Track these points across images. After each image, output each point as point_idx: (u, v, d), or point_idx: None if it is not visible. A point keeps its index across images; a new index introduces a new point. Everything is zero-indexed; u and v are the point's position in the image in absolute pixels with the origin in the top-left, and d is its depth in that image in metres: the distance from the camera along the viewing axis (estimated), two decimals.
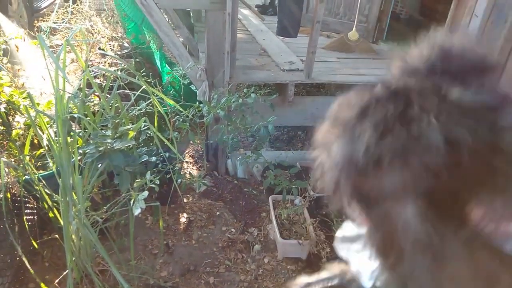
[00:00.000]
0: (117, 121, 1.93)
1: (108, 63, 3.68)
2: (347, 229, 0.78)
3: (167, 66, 3.75)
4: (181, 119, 2.49)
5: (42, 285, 1.99)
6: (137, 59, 4.05)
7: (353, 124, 0.46)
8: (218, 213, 2.85)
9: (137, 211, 1.68)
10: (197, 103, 2.61)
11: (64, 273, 2.08)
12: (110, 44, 4.02)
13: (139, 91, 2.10)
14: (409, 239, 0.45)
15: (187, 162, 3.40)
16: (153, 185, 1.84)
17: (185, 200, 2.91)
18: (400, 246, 0.46)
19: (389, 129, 0.43)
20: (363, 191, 0.47)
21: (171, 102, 2.21)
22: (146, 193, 1.73)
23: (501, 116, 0.43)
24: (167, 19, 3.42)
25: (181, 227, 2.68)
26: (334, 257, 0.89)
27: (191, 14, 4.67)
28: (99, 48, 3.86)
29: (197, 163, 3.43)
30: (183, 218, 2.75)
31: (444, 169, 0.42)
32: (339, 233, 0.79)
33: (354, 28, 3.90)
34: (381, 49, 4.23)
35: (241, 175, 3.28)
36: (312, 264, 2.45)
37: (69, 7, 4.46)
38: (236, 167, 3.28)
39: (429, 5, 5.64)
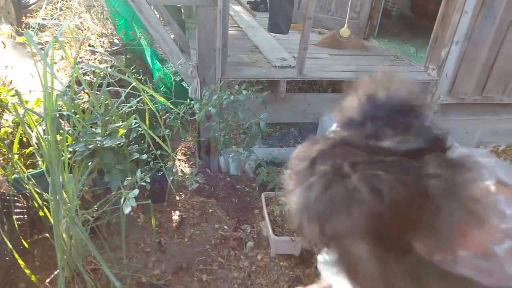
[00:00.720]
0: (107, 118, 1.91)
1: (98, 60, 3.64)
2: (326, 254, 0.87)
3: (158, 63, 3.72)
4: (172, 117, 2.47)
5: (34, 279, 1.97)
6: (128, 56, 4.01)
7: (304, 175, 0.54)
8: (210, 210, 2.85)
9: (127, 209, 1.67)
10: (189, 100, 2.59)
11: (56, 272, 2.06)
12: (100, 41, 3.97)
13: (129, 88, 2.08)
14: (364, 269, 0.54)
15: (179, 159, 3.39)
16: (143, 183, 1.82)
17: (177, 198, 2.90)
18: (361, 273, 0.55)
19: (330, 183, 0.51)
20: (322, 231, 0.54)
21: (162, 99, 2.19)
22: (136, 191, 1.71)
23: (426, 163, 0.49)
24: (157, 15, 3.39)
25: (174, 225, 2.67)
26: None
27: (182, 10, 4.64)
28: (89, 45, 3.82)
29: (189, 160, 3.42)
30: (176, 216, 2.74)
31: (378, 214, 0.49)
32: (320, 257, 0.88)
33: (345, 25, 3.90)
34: (373, 45, 4.25)
35: (233, 172, 3.28)
36: (305, 260, 2.45)
37: (58, 3, 4.40)
38: (228, 164, 3.27)
39: (420, 2, 5.68)
